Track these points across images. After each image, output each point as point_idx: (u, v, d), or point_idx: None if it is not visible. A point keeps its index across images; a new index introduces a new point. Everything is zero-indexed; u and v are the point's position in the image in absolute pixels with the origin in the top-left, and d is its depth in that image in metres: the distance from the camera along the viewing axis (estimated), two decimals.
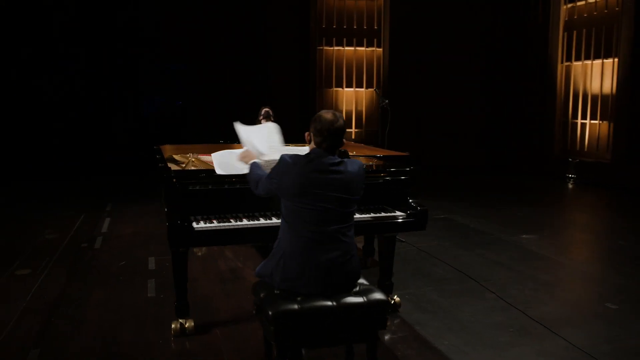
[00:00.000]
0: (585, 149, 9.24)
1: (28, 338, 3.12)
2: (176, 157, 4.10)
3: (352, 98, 11.61)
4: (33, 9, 9.29)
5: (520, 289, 4.01)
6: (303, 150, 2.85)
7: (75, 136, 9.75)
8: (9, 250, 4.76)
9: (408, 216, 3.21)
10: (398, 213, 3.23)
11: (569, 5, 9.38)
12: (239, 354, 2.95)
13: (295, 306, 2.36)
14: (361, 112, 11.69)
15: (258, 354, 2.89)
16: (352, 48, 11.44)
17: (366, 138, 11.62)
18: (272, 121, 6.21)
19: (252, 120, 6.10)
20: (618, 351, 3.03)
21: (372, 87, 11.57)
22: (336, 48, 11.42)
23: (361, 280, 2.62)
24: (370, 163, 3.81)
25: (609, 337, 3.21)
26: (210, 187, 3.05)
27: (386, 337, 3.17)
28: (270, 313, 2.33)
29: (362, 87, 11.60)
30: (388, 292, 3.54)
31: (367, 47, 11.46)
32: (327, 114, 2.51)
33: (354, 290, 2.52)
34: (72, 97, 9.77)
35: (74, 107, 9.79)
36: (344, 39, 11.39)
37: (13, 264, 4.42)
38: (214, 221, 2.93)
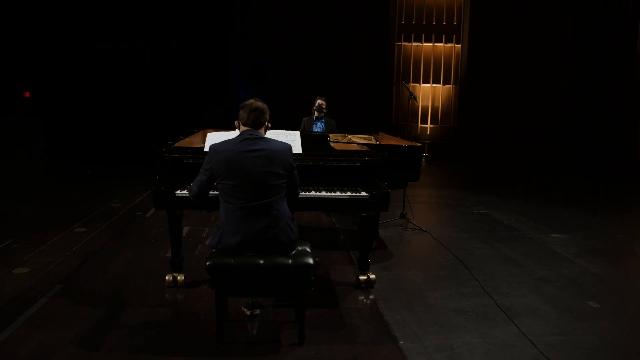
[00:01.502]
0: None
1: (59, 277, 3.86)
2: None
3: (429, 94, 11.61)
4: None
5: (509, 282, 4.04)
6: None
7: (169, 126, 10.81)
8: (77, 213, 5.67)
9: (371, 197, 3.46)
10: (363, 194, 3.49)
11: None
12: (212, 305, 3.40)
13: (230, 260, 2.77)
14: (437, 108, 11.65)
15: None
16: (430, 44, 11.44)
17: (440, 135, 11.58)
18: (324, 113, 6.67)
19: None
20: (564, 344, 3.04)
21: (450, 83, 11.49)
22: (415, 44, 11.49)
23: (303, 247, 2.97)
24: (362, 149, 4.05)
25: (565, 331, 3.21)
26: (201, 161, 3.54)
27: (345, 307, 3.46)
28: (207, 264, 2.78)
29: (439, 83, 11.56)
30: (365, 269, 3.80)
31: (445, 43, 11.39)
32: (249, 100, 2.98)
33: (291, 254, 2.87)
34: (164, 89, 10.84)
35: (165, 99, 10.87)
36: (423, 35, 11.43)
37: (76, 223, 5.31)
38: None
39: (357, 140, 5.48)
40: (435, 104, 11.64)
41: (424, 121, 11.68)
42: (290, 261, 2.79)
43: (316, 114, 6.61)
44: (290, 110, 8.86)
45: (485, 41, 10.96)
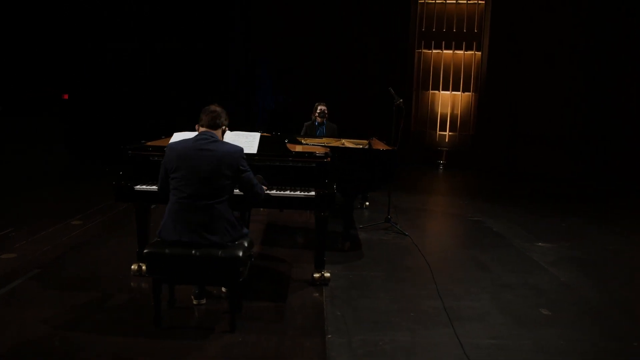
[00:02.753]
0: None
1: (41, 262, 4.18)
2: None
3: (448, 101, 11.55)
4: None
5: (468, 287, 4.06)
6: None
7: (169, 125, 11.01)
8: (79, 207, 6.02)
9: (317, 196, 3.60)
10: (312, 193, 3.63)
11: None
12: (166, 293, 3.61)
13: (165, 250, 2.98)
14: (457, 116, 11.55)
15: (187, 292, 3.53)
16: (450, 51, 11.38)
17: (459, 142, 11.48)
18: (327, 119, 6.83)
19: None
20: (493, 347, 3.07)
21: (469, 91, 11.39)
22: (435, 51, 11.47)
23: (242, 241, 3.13)
24: (315, 151, 4.14)
25: (501, 335, 3.23)
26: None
27: (290, 302, 3.59)
28: (145, 251, 3.00)
29: (459, 90, 11.48)
30: (320, 267, 3.92)
31: (466, 50, 11.31)
32: (210, 105, 3.20)
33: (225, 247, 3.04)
34: (163, 88, 10.72)
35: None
36: (443, 42, 11.39)
37: (75, 216, 5.67)
38: (154, 186, 3.66)
39: (349, 145, 5.62)
40: (455, 112, 11.56)
41: (443, 129, 11.61)
42: (220, 253, 2.97)
43: (318, 119, 6.76)
44: (300, 112, 9.04)
45: (505, 49, 10.81)
